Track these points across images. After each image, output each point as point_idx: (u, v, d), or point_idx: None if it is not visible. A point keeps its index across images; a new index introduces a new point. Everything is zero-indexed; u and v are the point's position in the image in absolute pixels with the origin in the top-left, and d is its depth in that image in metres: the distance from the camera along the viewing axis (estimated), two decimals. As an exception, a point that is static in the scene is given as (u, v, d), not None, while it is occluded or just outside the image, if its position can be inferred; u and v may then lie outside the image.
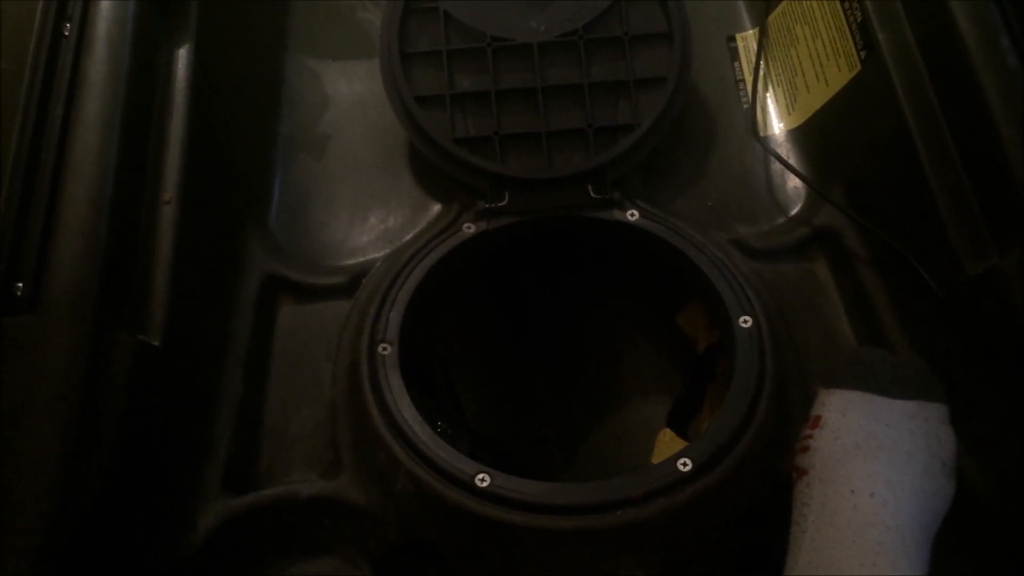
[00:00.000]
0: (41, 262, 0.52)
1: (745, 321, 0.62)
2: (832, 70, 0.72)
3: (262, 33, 0.81)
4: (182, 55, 0.66)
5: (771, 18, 0.81)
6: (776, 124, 0.78)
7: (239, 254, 0.69)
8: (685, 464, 0.55)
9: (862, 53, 0.69)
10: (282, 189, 0.75)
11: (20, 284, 0.51)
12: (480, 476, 0.55)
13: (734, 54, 0.82)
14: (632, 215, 0.69)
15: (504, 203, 0.69)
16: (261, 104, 0.78)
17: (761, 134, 0.77)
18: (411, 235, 0.72)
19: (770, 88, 0.79)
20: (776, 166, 0.75)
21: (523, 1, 0.73)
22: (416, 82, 0.71)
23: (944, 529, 0.53)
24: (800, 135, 0.76)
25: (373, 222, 0.73)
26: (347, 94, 0.80)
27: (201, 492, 0.58)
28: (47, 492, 0.47)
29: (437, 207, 0.74)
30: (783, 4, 0.79)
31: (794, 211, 0.73)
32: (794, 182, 0.74)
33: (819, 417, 0.57)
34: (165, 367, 0.57)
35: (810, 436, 0.56)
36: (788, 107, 0.77)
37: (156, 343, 0.57)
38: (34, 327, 0.51)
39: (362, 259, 0.71)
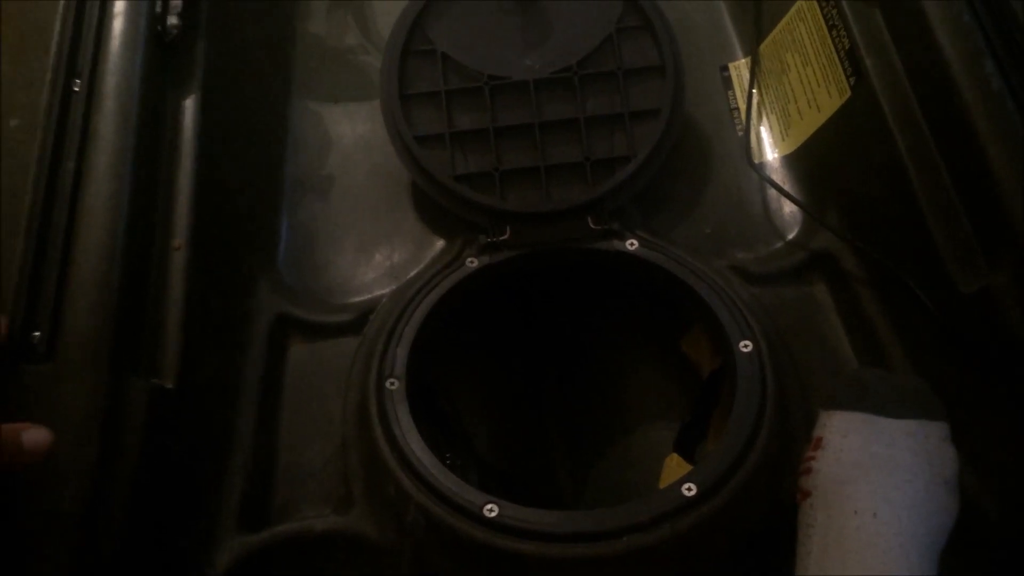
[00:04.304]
0: (57, 311, 0.54)
1: (746, 346, 0.63)
2: (823, 96, 0.74)
3: (266, 79, 0.83)
4: (188, 105, 0.68)
5: (762, 47, 0.82)
6: (771, 151, 0.79)
7: (249, 295, 0.70)
8: (690, 489, 0.56)
9: (851, 79, 0.70)
10: (289, 230, 0.77)
11: (37, 333, 0.53)
12: (488, 506, 0.55)
13: (727, 83, 0.83)
14: (631, 245, 0.70)
15: (506, 237, 0.70)
16: (267, 148, 0.80)
17: (756, 161, 0.78)
18: (416, 271, 0.73)
19: (763, 116, 0.81)
20: (772, 192, 0.76)
21: (518, 40, 0.74)
22: (416, 122, 0.73)
23: (949, 547, 0.54)
24: (794, 161, 0.77)
25: (378, 259, 0.75)
26: (350, 136, 0.82)
27: (217, 530, 0.59)
28: (68, 534, 0.49)
29: (440, 243, 0.75)
30: (773, 33, 0.81)
31: (791, 236, 0.74)
32: (790, 207, 0.75)
33: (820, 439, 0.57)
34: (179, 409, 0.58)
35: (812, 458, 0.57)
36: (782, 134, 0.79)
37: (170, 386, 0.58)
38: (52, 374, 0.52)
39: (368, 296, 0.73)
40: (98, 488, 0.50)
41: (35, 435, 0.46)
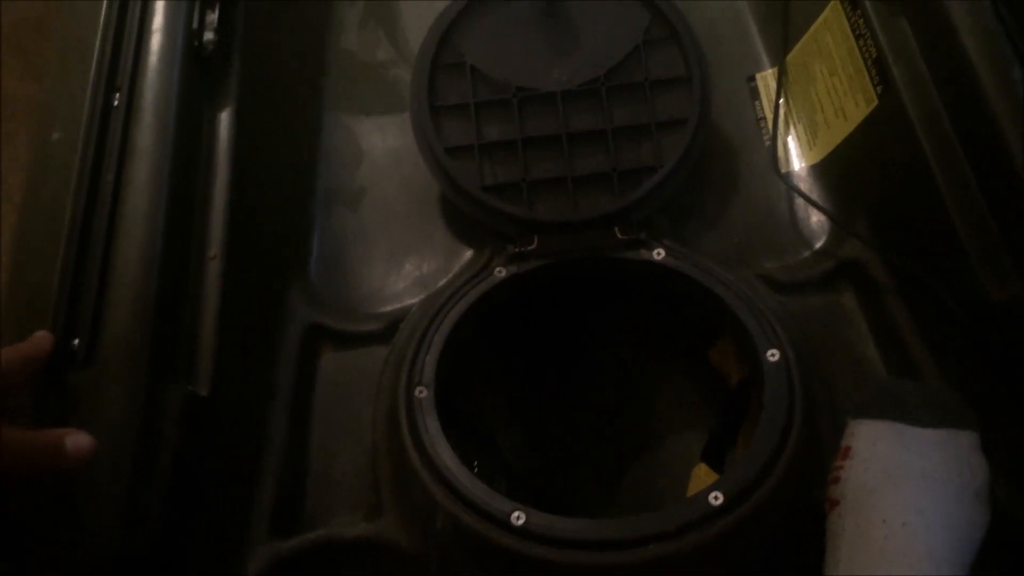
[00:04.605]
0: (96, 319, 0.55)
1: (773, 355, 0.63)
2: (850, 105, 0.74)
3: (299, 93, 0.85)
4: (224, 118, 0.69)
5: (789, 57, 0.82)
6: (798, 160, 0.79)
7: (281, 305, 0.71)
8: (717, 497, 0.56)
9: (878, 88, 0.70)
10: (321, 241, 0.78)
11: (77, 341, 0.54)
12: (516, 514, 0.56)
13: (754, 93, 0.83)
14: (659, 254, 0.70)
15: (533, 247, 0.71)
16: (300, 160, 0.81)
17: (783, 170, 0.78)
18: (445, 280, 0.74)
19: (791, 125, 0.81)
20: (800, 201, 0.76)
21: (546, 53, 0.75)
22: (446, 134, 0.74)
23: (980, 558, 0.53)
24: (822, 170, 0.77)
25: (408, 269, 0.76)
26: (381, 148, 0.83)
27: (249, 536, 0.60)
28: (105, 536, 0.50)
29: (469, 253, 0.76)
30: (800, 43, 0.81)
31: (819, 244, 0.74)
32: (818, 216, 0.75)
33: (849, 448, 0.57)
34: (213, 415, 0.59)
35: (841, 467, 0.57)
36: (809, 143, 0.79)
37: (204, 393, 0.59)
38: (91, 381, 0.53)
39: (398, 305, 0.74)
40: (134, 492, 0.51)
41: (78, 440, 0.48)
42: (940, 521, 0.53)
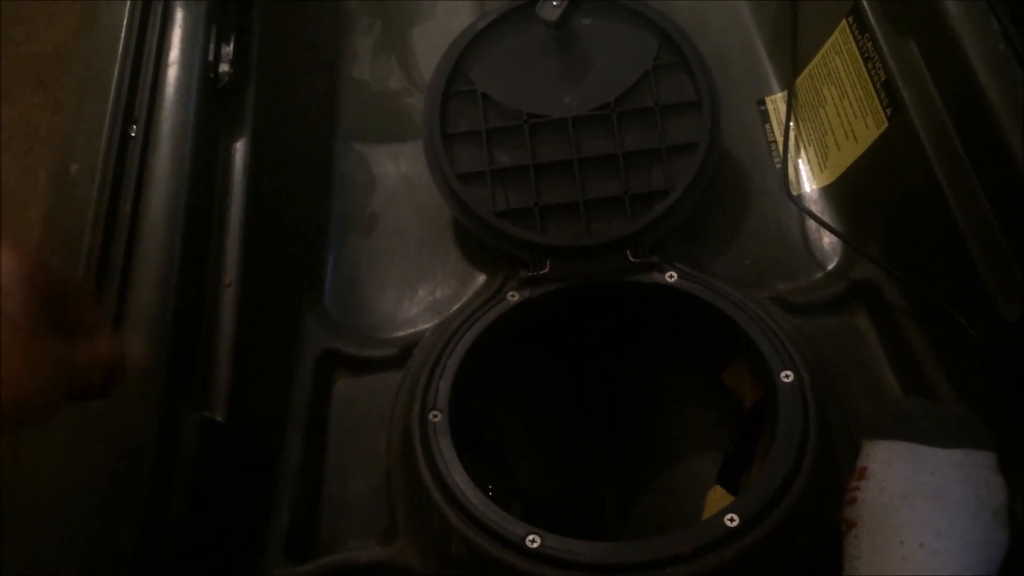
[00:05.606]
0: None
1: (787, 376, 0.63)
2: (860, 128, 0.74)
3: (313, 122, 0.86)
4: (239, 148, 0.71)
5: (799, 80, 0.83)
6: (809, 182, 0.79)
7: (296, 331, 0.72)
8: (732, 520, 0.56)
9: (888, 110, 0.71)
10: (335, 267, 0.79)
11: (94, 367, 0.55)
12: (531, 537, 0.56)
13: (765, 117, 0.84)
14: (671, 277, 0.71)
15: (546, 271, 0.71)
16: (313, 188, 0.82)
17: (794, 192, 0.78)
18: (458, 306, 0.75)
19: (801, 148, 0.81)
20: (811, 223, 0.76)
21: (557, 79, 0.76)
22: (458, 160, 0.74)
23: (1001, 578, 0.53)
24: (833, 192, 0.77)
25: (422, 295, 0.76)
26: (394, 175, 0.84)
27: (264, 560, 0.61)
28: (122, 561, 0.50)
29: (482, 278, 0.76)
30: (809, 67, 0.82)
31: (831, 266, 0.74)
32: (830, 238, 0.76)
33: (865, 469, 0.57)
34: (229, 441, 0.60)
35: (857, 488, 0.56)
36: (820, 165, 0.79)
37: (220, 419, 0.60)
38: (108, 407, 0.54)
39: (412, 331, 0.74)
40: (150, 517, 0.52)
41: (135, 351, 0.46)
42: (958, 542, 0.52)
